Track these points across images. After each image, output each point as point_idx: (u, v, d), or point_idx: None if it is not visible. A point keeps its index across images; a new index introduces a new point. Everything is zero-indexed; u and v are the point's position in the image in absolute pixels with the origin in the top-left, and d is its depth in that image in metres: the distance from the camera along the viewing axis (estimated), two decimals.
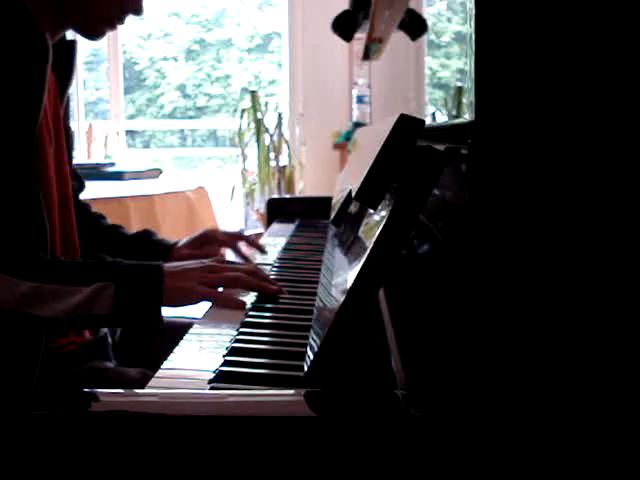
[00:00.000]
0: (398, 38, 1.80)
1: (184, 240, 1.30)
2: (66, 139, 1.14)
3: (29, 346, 0.95)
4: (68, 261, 1.02)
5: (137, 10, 1.07)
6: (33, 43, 0.97)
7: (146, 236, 1.31)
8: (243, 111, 4.39)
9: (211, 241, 1.30)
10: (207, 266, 0.97)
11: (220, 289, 0.97)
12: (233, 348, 0.77)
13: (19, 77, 0.95)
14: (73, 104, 4.00)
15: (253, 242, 1.35)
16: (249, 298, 0.97)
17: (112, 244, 1.28)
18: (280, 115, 4.39)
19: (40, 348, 0.95)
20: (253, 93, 4.40)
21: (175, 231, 2.37)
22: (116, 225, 1.33)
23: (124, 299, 0.89)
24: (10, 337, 0.95)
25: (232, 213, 4.44)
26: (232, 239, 1.33)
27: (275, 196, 4.16)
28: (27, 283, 0.88)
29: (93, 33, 1.07)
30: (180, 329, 0.94)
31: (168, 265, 0.95)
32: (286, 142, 4.40)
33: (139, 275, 0.91)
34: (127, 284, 0.90)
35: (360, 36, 2.22)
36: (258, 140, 4.31)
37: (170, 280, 0.92)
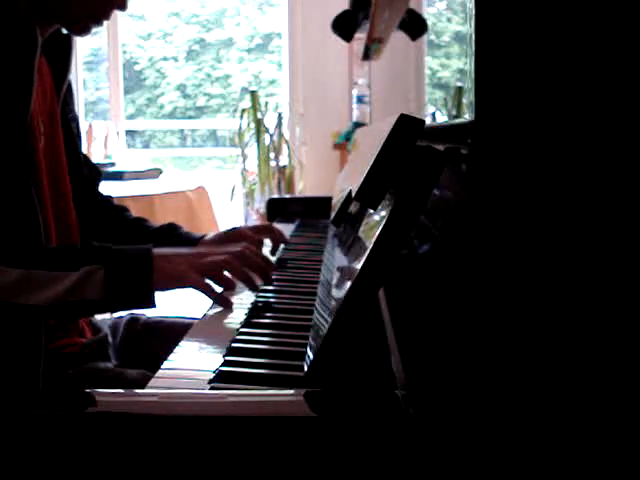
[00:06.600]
0: (398, 38, 1.80)
1: (211, 234, 1.28)
2: (69, 131, 1.14)
3: (29, 347, 0.95)
4: (57, 247, 1.01)
5: (121, 6, 1.06)
6: (22, 34, 0.97)
7: (171, 230, 1.29)
8: (243, 111, 4.39)
9: (237, 238, 1.30)
10: (197, 253, 0.98)
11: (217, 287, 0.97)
12: (233, 348, 0.77)
13: (9, 66, 0.95)
14: None
15: (280, 236, 1.33)
16: (247, 297, 0.97)
17: (137, 237, 1.26)
18: (280, 115, 4.39)
19: (40, 349, 0.95)
20: (253, 93, 4.40)
21: None
22: (140, 218, 1.33)
23: (114, 282, 0.87)
24: (10, 337, 0.95)
25: (232, 213, 4.44)
26: (259, 234, 1.32)
27: (275, 196, 4.16)
28: (16, 271, 0.86)
29: (79, 29, 1.07)
30: (180, 329, 0.95)
31: (158, 249, 0.94)
32: (286, 142, 4.40)
33: (128, 257, 0.90)
34: (116, 266, 0.88)
35: (360, 36, 2.22)
36: (258, 140, 4.31)
37: (160, 262, 0.91)
